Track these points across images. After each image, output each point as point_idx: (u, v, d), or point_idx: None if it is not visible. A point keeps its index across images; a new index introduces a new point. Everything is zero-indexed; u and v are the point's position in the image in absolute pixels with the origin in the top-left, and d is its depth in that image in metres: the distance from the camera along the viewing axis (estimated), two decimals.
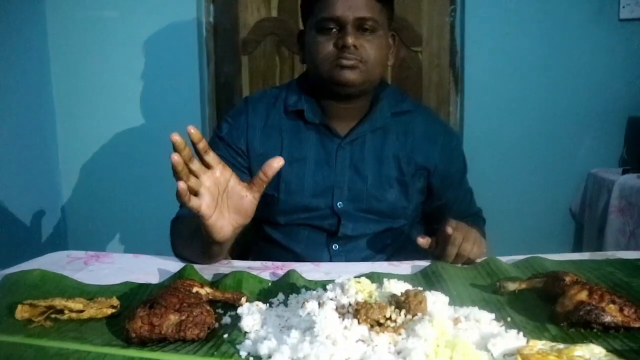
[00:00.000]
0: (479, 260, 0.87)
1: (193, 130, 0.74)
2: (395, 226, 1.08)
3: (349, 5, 0.97)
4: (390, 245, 1.10)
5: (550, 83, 2.03)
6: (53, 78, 2.08)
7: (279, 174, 1.05)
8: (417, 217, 1.16)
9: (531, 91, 2.04)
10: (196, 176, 0.75)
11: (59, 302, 0.65)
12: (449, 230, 0.85)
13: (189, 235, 0.89)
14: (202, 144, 0.75)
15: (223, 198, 0.79)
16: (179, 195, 0.72)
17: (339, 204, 1.05)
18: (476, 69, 2.04)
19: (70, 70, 2.06)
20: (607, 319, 0.60)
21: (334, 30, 0.98)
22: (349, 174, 1.06)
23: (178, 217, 1.03)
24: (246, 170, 1.08)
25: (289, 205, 1.05)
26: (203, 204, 0.76)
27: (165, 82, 2.06)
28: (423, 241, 0.90)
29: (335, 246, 1.07)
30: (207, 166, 0.77)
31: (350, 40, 0.96)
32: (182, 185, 0.72)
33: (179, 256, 0.94)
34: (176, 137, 0.71)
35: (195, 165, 0.75)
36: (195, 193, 0.75)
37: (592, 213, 1.95)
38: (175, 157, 0.71)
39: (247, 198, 0.80)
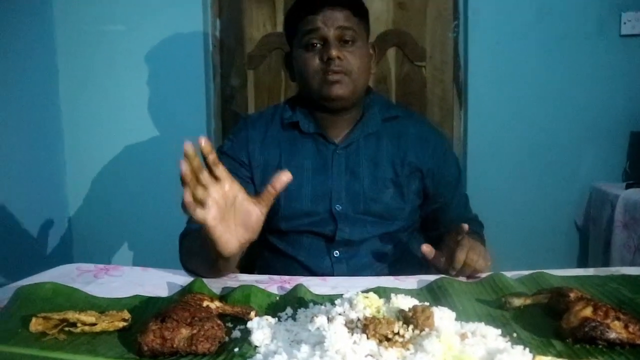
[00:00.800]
0: (483, 275, 0.88)
1: (204, 143, 0.75)
2: (393, 229, 1.11)
3: (329, 18, 1.05)
4: (390, 252, 1.11)
5: (552, 98, 2.05)
6: (61, 91, 2.10)
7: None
8: (416, 223, 1.18)
9: (534, 106, 2.05)
10: (204, 187, 0.76)
11: (72, 316, 0.66)
12: (465, 226, 0.87)
13: (197, 249, 0.90)
14: (212, 157, 0.76)
15: (230, 212, 0.79)
16: (184, 205, 0.73)
17: (337, 207, 1.09)
18: (479, 83, 2.06)
19: (77, 82, 2.09)
20: (612, 335, 0.60)
21: (318, 45, 1.06)
22: (345, 178, 1.10)
23: (187, 233, 1.05)
24: (250, 181, 1.13)
25: (289, 211, 1.09)
26: (209, 215, 0.76)
27: (172, 95, 2.09)
28: (427, 250, 0.92)
29: (336, 253, 1.09)
30: (216, 179, 0.78)
31: (334, 52, 1.03)
32: (188, 195, 0.73)
33: (188, 270, 0.95)
34: (188, 147, 0.73)
35: (204, 176, 0.76)
36: (202, 204, 0.76)
37: (597, 227, 1.95)
38: (184, 167, 0.72)
39: (254, 213, 0.81)
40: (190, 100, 2.08)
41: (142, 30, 2.06)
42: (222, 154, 1.14)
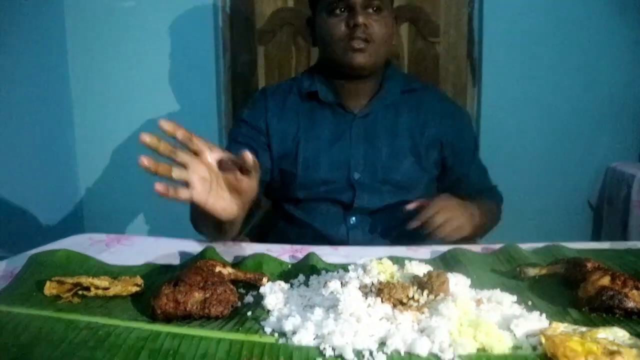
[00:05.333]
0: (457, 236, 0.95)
1: (166, 126, 0.69)
2: (411, 198, 1.09)
3: None
4: (405, 221, 1.10)
5: (569, 75, 2.00)
6: (70, 65, 2.09)
7: (296, 151, 1.10)
8: (433, 194, 1.16)
9: (550, 83, 2.01)
10: (184, 167, 0.71)
11: (85, 280, 0.67)
12: (411, 205, 0.96)
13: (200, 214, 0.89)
14: (181, 133, 0.71)
15: (219, 180, 0.74)
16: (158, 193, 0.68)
17: (355, 175, 1.09)
18: (494, 60, 2.01)
19: (86, 57, 2.08)
20: (630, 304, 0.59)
21: (343, 11, 1.04)
22: (363, 147, 1.10)
23: None
24: (267, 148, 1.13)
25: (307, 180, 1.09)
26: (194, 193, 0.71)
27: (181, 71, 2.07)
28: (411, 206, 0.98)
29: (352, 220, 1.10)
30: (195, 153, 0.73)
31: (360, 19, 1.02)
32: (157, 187, 0.67)
33: (198, 231, 0.96)
34: (145, 137, 0.68)
35: (181, 156, 0.71)
36: (187, 184, 0.71)
37: (612, 207, 1.92)
38: (145, 161, 0.67)
39: (244, 179, 0.75)
40: (201, 77, 2.06)
41: (152, 6, 2.03)
42: (240, 121, 1.16)
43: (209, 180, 0.73)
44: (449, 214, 0.95)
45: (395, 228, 1.10)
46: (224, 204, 0.75)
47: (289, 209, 1.14)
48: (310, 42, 1.15)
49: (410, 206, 0.98)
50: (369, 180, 1.09)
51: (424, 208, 0.96)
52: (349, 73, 1.09)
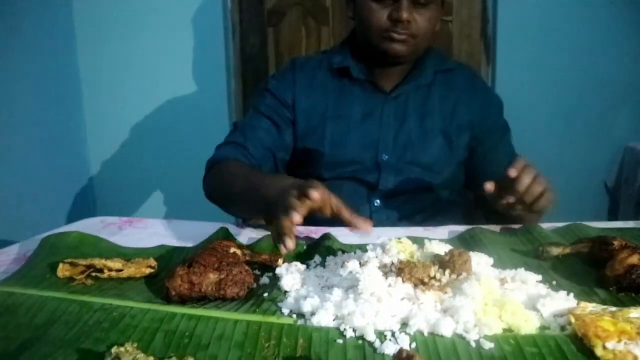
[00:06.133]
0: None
1: (290, 245, 0.67)
2: (437, 182, 1.08)
3: None
4: (431, 206, 1.09)
5: (586, 54, 1.95)
6: (78, 49, 2.08)
7: (323, 129, 1.07)
8: (458, 182, 1.14)
9: (566, 62, 1.96)
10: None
11: (98, 262, 0.66)
12: (512, 172, 0.75)
13: (242, 192, 0.90)
14: (291, 244, 0.68)
15: None
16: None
17: (384, 156, 1.06)
18: (508, 38, 1.96)
19: (95, 41, 2.06)
20: None
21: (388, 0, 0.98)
22: (394, 128, 1.07)
23: (216, 162, 1.02)
24: (290, 123, 1.09)
25: (334, 158, 1.06)
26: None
27: (191, 53, 2.05)
28: (489, 186, 0.80)
29: (376, 202, 1.07)
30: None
31: (404, 15, 0.96)
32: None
33: (212, 199, 0.96)
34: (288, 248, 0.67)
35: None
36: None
37: (629, 188, 1.88)
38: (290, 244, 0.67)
39: None
40: (210, 59, 2.04)
41: None
42: (266, 90, 1.11)
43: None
44: (545, 183, 0.80)
45: (420, 212, 1.07)
46: None
47: None
48: (348, 13, 1.08)
49: (489, 186, 0.80)
50: (396, 161, 1.06)
51: (505, 185, 0.79)
52: (384, 59, 1.04)
